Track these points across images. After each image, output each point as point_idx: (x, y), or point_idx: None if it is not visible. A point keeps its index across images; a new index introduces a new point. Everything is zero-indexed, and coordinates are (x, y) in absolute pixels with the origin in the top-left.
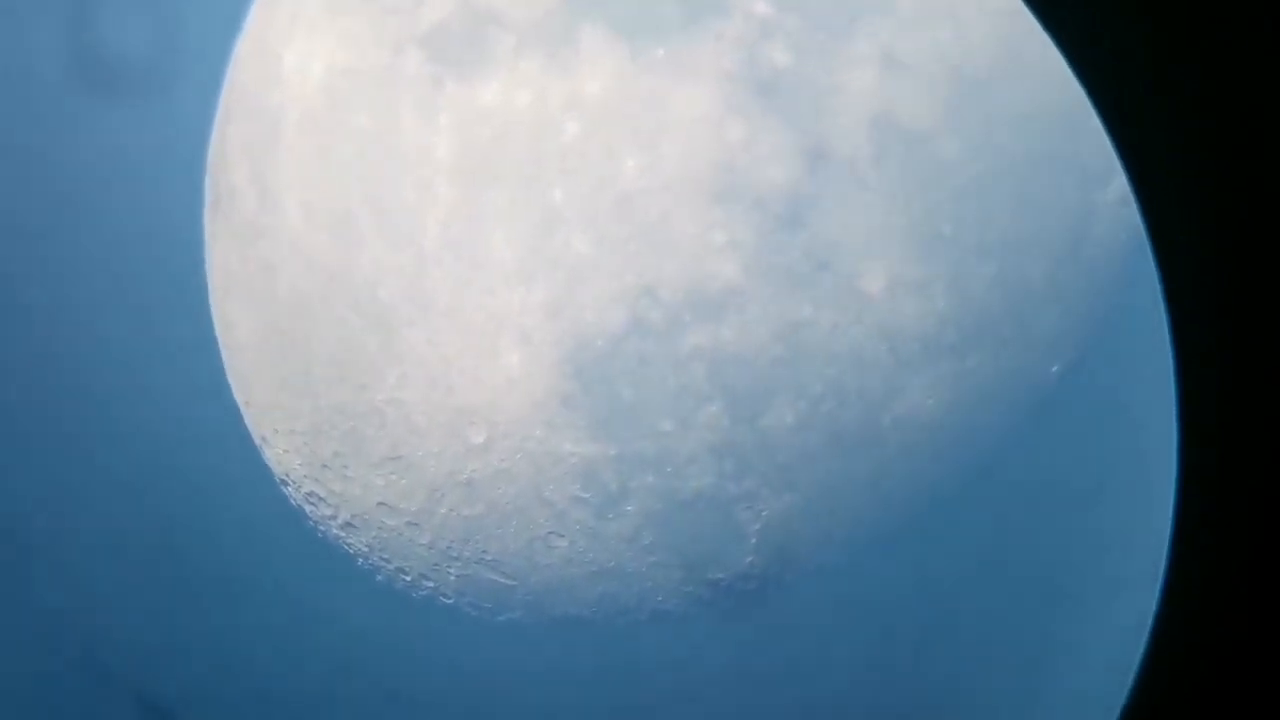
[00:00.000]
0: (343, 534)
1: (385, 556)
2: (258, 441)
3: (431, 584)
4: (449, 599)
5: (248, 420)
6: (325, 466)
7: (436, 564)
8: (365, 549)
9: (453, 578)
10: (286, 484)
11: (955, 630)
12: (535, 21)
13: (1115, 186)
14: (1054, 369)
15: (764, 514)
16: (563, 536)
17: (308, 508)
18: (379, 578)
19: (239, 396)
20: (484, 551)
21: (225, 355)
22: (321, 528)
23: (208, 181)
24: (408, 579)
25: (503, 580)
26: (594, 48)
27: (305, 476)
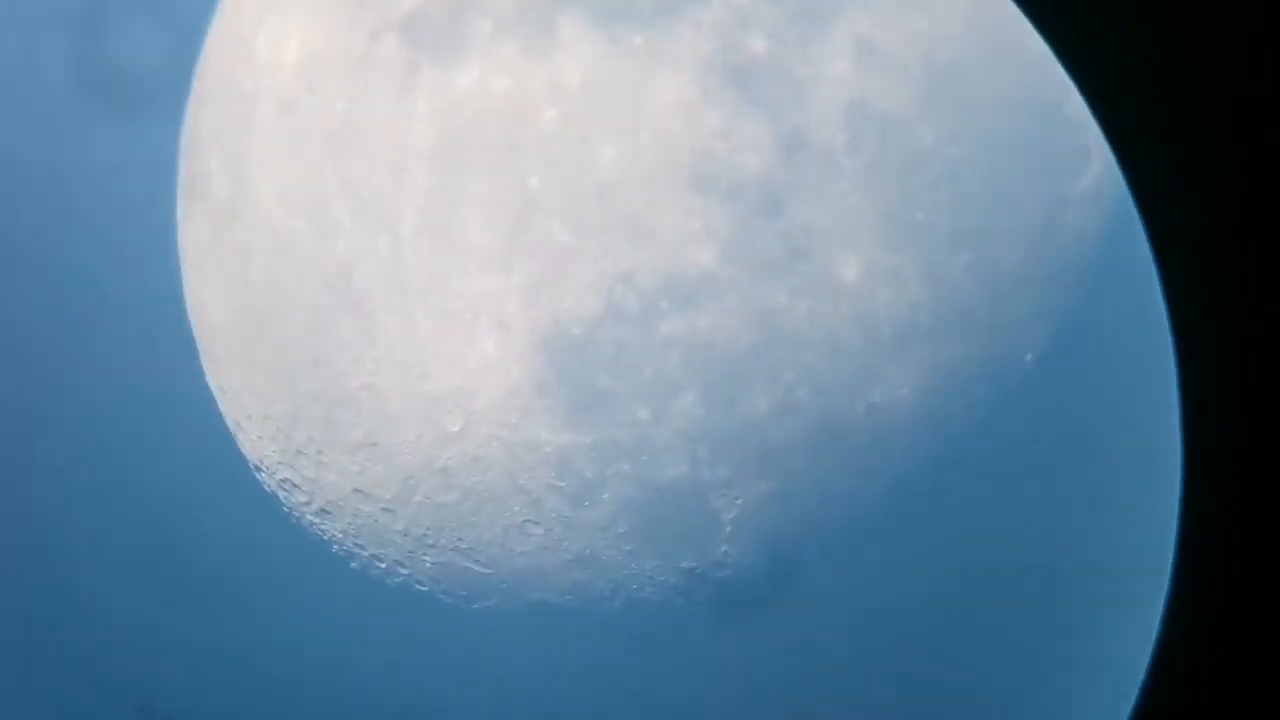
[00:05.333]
0: (317, 520)
1: (360, 543)
2: (231, 428)
3: (406, 571)
4: (424, 586)
5: (221, 406)
6: (299, 452)
7: (412, 551)
8: (340, 535)
9: (428, 565)
10: (260, 470)
11: (931, 617)
12: (513, 7)
13: (1089, 174)
14: (1028, 356)
15: (739, 502)
16: (538, 524)
17: (282, 494)
18: (353, 564)
19: (212, 382)
20: (459, 539)
21: (199, 340)
22: (296, 514)
23: (181, 166)
24: (382, 566)
25: (478, 568)
26: (572, 35)
27: (279, 463)
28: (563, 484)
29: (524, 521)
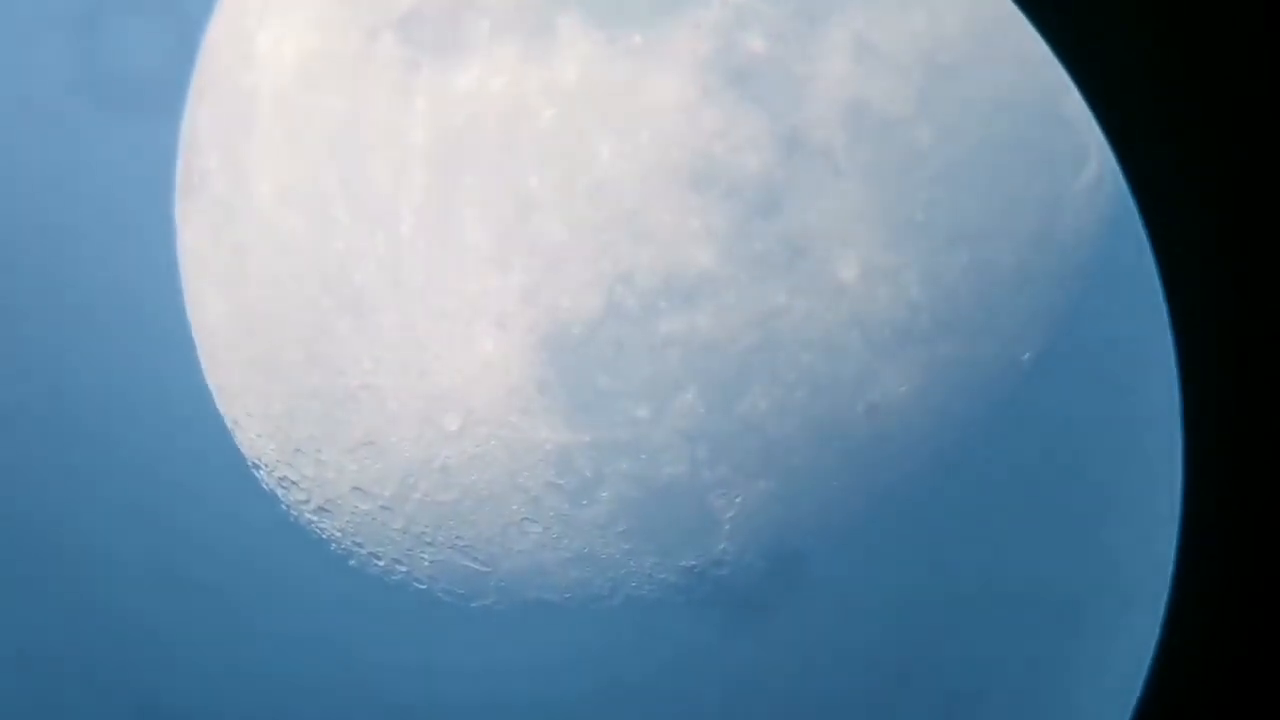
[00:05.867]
0: (316, 519)
1: (359, 541)
2: (229, 425)
3: (405, 569)
4: (422, 584)
5: (219, 404)
6: (298, 451)
7: (410, 549)
8: (339, 534)
9: (426, 563)
10: (259, 468)
11: (931, 616)
12: (512, 7)
13: (1088, 174)
14: (1025, 356)
15: (738, 501)
16: (536, 523)
17: (280, 492)
18: (352, 563)
19: (210, 380)
20: (458, 537)
21: (197, 338)
22: (294, 512)
23: (179, 164)
24: (381, 564)
25: (476, 566)
26: (570, 34)
27: (278, 461)
28: (562, 482)
29: (523, 520)
